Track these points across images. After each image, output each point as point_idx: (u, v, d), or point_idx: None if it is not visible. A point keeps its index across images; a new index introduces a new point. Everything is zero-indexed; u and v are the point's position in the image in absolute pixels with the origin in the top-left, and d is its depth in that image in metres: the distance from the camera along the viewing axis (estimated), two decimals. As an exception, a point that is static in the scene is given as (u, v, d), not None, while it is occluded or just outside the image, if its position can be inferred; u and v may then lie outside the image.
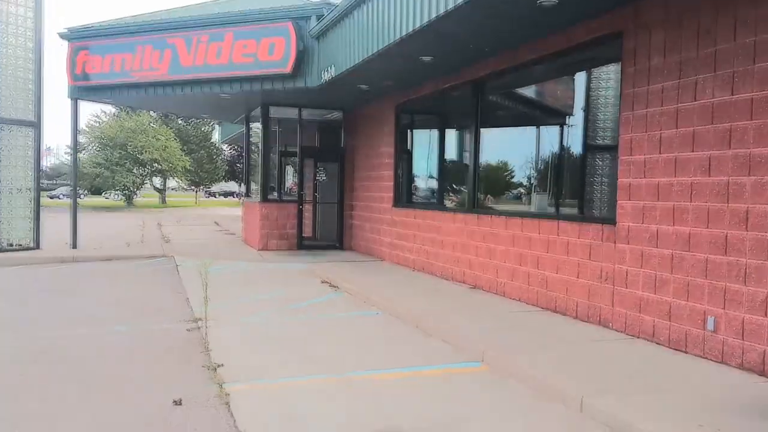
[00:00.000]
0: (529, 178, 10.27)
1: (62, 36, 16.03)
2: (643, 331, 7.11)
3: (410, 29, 8.93)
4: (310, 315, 9.17)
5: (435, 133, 13.42)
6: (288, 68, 13.41)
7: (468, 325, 7.90)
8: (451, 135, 12.63)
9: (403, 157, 14.20)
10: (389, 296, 9.97)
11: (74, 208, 16.63)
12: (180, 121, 57.71)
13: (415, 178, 13.82)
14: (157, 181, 57.94)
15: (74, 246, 16.33)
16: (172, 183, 64.21)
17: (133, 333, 8.06)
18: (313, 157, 17.07)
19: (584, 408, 5.13)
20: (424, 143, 13.53)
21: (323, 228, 17.60)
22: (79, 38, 15.85)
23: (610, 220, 7.69)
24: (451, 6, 7.59)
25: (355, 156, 16.72)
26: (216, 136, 65.81)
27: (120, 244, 17.91)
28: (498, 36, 8.99)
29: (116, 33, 15.44)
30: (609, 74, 8.18)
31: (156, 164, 50.28)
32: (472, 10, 7.72)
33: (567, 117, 9.46)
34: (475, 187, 10.91)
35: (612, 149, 7.90)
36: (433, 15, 8.11)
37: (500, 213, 10.07)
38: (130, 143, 48.01)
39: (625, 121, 7.45)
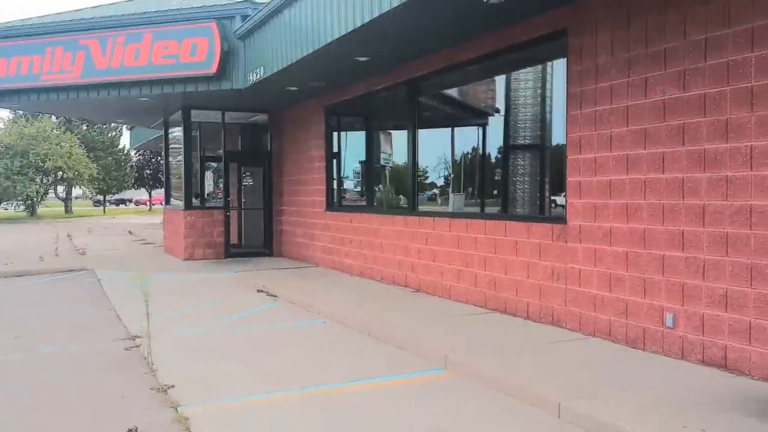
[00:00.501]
0: (447, 179, 10.28)
1: (-37, 36, 14.87)
2: (599, 330, 7.12)
3: (350, 28, 8.70)
4: (253, 326, 8.78)
5: (366, 134, 13.20)
6: (212, 69, 12.89)
7: (422, 329, 7.73)
8: (384, 136, 12.44)
9: (334, 159, 13.93)
10: (332, 303, 9.69)
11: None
12: (84, 127, 55.29)
13: (348, 181, 13.58)
14: (61, 190, 55.32)
15: (-20, 262, 15.21)
16: (76, 192, 61.35)
17: (66, 355, 7.47)
18: (238, 162, 16.55)
19: (562, 412, 5.03)
20: (355, 145, 13.31)
21: (250, 234, 17.07)
22: (-19, 39, 14.73)
23: (561, 219, 7.69)
24: (397, 3, 7.39)
25: (283, 159, 16.32)
26: (125, 142, 63.56)
27: (32, 258, 16.81)
28: (441, 33, 8.86)
29: (22, 34, 14.43)
30: (554, 72, 8.21)
31: (61, 172, 47.96)
32: (421, 6, 7.55)
33: (491, 117, 9.55)
34: (415, 189, 10.77)
35: (539, 148, 7.98)
36: (376, 13, 7.89)
37: (444, 215, 9.96)
38: (31, 150, 45.54)
39: (572, 119, 7.45)
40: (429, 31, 8.68)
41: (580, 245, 7.35)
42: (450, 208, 10.14)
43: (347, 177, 13.56)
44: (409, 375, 6.34)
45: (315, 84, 12.58)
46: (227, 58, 12.94)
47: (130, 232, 29.81)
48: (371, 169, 12.59)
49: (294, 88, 13.03)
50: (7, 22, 15.01)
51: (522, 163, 9.00)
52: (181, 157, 16.50)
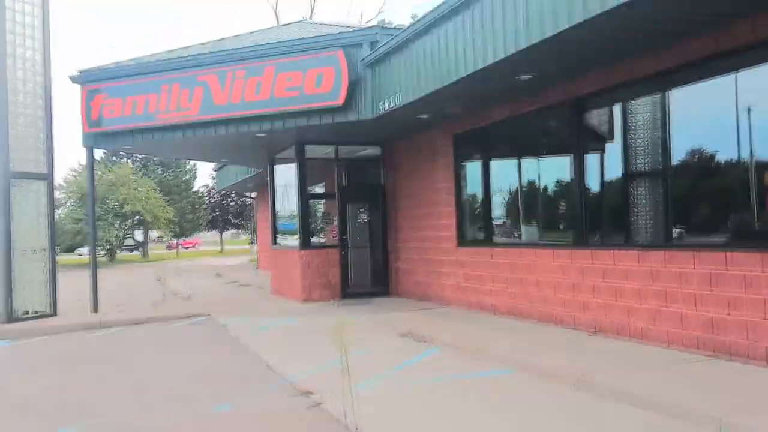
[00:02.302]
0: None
1: (74, 80, 14.65)
2: None
3: (526, 44, 7.84)
4: (429, 377, 7.80)
5: (505, 162, 12.21)
6: (339, 100, 12.21)
7: (670, 386, 6.60)
8: (529, 163, 11.44)
9: (465, 191, 13.00)
10: (506, 349, 8.65)
11: (94, 267, 15.04)
12: (159, 171, 56.06)
13: (483, 214, 12.57)
14: (138, 234, 55.99)
15: (95, 309, 14.70)
16: (152, 236, 62.09)
17: (244, 414, 6.63)
18: (349, 198, 15.78)
19: None
20: (492, 174, 12.32)
21: (363, 274, 16.20)
22: (94, 80, 14.48)
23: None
24: (615, 3, 6.47)
25: (398, 193, 15.48)
26: (198, 184, 64.36)
27: (141, 304, 16.30)
28: (637, 39, 7.89)
29: (137, 73, 14.10)
30: None
31: (139, 216, 48.48)
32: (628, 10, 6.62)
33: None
34: (584, 219, 9.71)
35: None
36: (576, 20, 6.99)
37: (625, 246, 8.86)
38: (110, 196, 46.23)
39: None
40: (631, 35, 7.70)
41: None
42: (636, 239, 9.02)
43: (485, 210, 12.55)
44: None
45: (451, 110, 11.74)
46: (354, 87, 12.25)
47: (218, 274, 29.45)
48: (519, 199, 11.59)
49: (425, 116, 12.23)
50: (118, 62, 14.74)
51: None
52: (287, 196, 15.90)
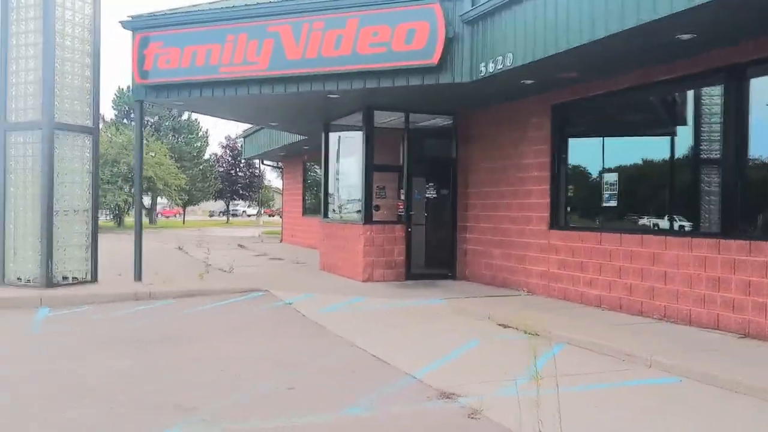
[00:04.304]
0: None
1: (126, 25, 13.25)
2: None
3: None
4: (583, 384, 6.57)
5: (621, 139, 10.93)
6: (434, 59, 10.89)
7: None
8: (656, 140, 10.17)
9: (563, 168, 11.72)
10: (649, 350, 7.42)
11: (139, 232, 13.78)
12: (171, 136, 54.53)
13: (589, 195, 11.31)
14: (146, 199, 54.56)
15: (138, 278, 13.44)
16: (161, 202, 60.73)
17: (385, 421, 5.40)
18: (418, 171, 14.48)
19: None
20: (604, 151, 11.03)
21: (427, 254, 14.97)
22: (149, 27, 13.09)
23: None
24: None
25: (471, 168, 14.17)
26: (210, 152, 62.90)
27: (180, 274, 15.01)
28: None
29: (199, 20, 12.71)
30: None
31: (150, 182, 47.01)
32: None
33: None
34: (736, 205, 8.44)
35: None
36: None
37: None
38: (122, 160, 44.74)
39: None
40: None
41: None
42: None
43: (585, 190, 11.30)
44: None
45: (564, 76, 10.42)
46: (450, 45, 10.92)
47: (241, 245, 28.18)
48: (628, 180, 10.33)
49: (529, 82, 10.91)
50: (178, 8, 13.34)
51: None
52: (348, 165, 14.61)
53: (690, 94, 9.41)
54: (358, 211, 14.33)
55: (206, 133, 58.60)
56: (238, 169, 65.25)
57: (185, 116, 57.81)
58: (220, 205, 79.28)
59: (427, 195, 14.71)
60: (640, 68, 9.67)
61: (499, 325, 9.68)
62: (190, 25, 12.71)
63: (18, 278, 12.33)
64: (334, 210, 16.27)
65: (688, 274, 8.96)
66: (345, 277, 14.55)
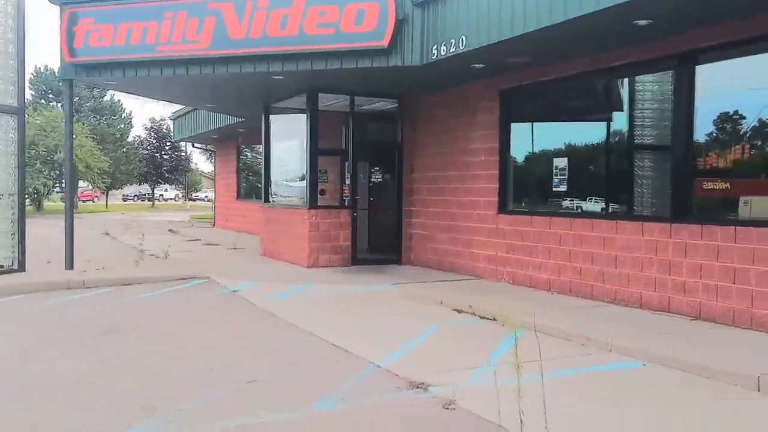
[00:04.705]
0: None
1: (53, 0, 12.45)
2: None
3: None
4: (547, 369, 6.53)
5: (570, 124, 11.01)
6: (384, 41, 10.66)
7: None
8: (605, 124, 10.29)
9: (510, 154, 11.74)
10: (607, 334, 7.50)
11: (70, 217, 13.08)
12: (93, 118, 52.39)
13: (537, 180, 11.38)
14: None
15: (70, 266, 12.76)
16: (81, 186, 58.32)
17: (360, 414, 5.24)
18: (363, 155, 14.28)
19: None
20: (552, 136, 11.10)
21: (372, 239, 14.81)
22: (79, 2, 12.35)
23: None
24: None
25: (417, 152, 14.06)
26: (134, 134, 60.81)
27: (114, 261, 14.36)
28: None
29: (134, -4, 12.08)
30: None
31: (70, 165, 44.94)
32: None
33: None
34: (681, 187, 8.60)
35: None
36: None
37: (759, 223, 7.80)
38: (40, 142, 42.71)
39: None
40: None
41: None
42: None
43: (534, 175, 11.37)
44: None
45: (515, 60, 10.39)
46: (401, 28, 10.71)
47: (171, 230, 27.35)
48: (578, 165, 10.44)
49: (479, 66, 10.83)
50: (111, -18, 12.63)
51: None
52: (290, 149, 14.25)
53: (641, 79, 9.51)
54: (300, 197, 14.01)
55: (130, 114, 56.67)
56: (163, 152, 63.40)
57: (107, 97, 55.71)
58: (133, 189, 76.87)
59: (372, 179, 14.49)
60: (591, 54, 9.71)
61: (454, 310, 9.62)
62: (125, 1, 12.05)
63: (-63, 268, 11.51)
64: (275, 194, 15.89)
65: (640, 258, 9.09)
66: (289, 263, 14.24)
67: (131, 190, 78.05)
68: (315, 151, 13.61)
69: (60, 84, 51.87)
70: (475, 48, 9.58)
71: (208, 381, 6.08)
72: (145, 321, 8.81)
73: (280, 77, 12.08)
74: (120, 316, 9.11)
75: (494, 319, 8.93)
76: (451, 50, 10.00)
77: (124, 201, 78.46)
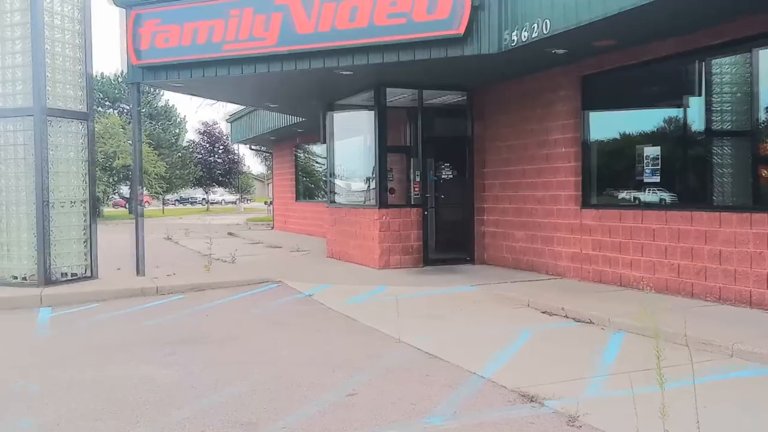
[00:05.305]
0: None
1: (117, 3, 12.31)
2: None
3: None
4: (672, 379, 5.93)
5: (660, 111, 10.30)
6: (459, 29, 10.16)
7: None
8: (701, 111, 9.57)
9: (593, 144, 11.11)
10: (726, 338, 6.85)
11: (139, 224, 12.91)
12: (148, 123, 53.07)
13: (624, 171, 10.73)
14: (125, 189, 53.14)
15: (141, 272, 12.62)
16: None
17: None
18: (432, 152, 13.78)
19: None
20: (639, 124, 10.45)
21: (442, 238, 14.28)
22: (144, 3, 12.18)
23: None
24: None
25: (488, 146, 13.52)
26: (188, 138, 61.52)
27: (187, 266, 14.23)
28: None
29: (198, -6, 11.84)
30: None
31: (128, 171, 45.69)
32: None
33: None
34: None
35: None
36: None
37: None
38: (99, 149, 43.38)
39: None
40: None
41: None
42: None
43: (619, 167, 10.73)
44: None
45: (602, 44, 9.76)
46: (476, 14, 10.18)
47: (230, 233, 27.35)
48: (670, 155, 9.76)
49: (560, 52, 10.24)
50: (175, -17, 12.43)
51: None
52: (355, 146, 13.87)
53: (735, 59, 8.79)
54: (367, 196, 13.61)
55: (184, 119, 57.21)
56: (216, 156, 64.01)
57: (162, 102, 56.42)
58: (184, 193, 76.66)
59: (442, 176, 13.99)
60: (680, 35, 9.03)
61: (543, 312, 9.09)
62: (189, 0, 11.82)
63: (14, 276, 11.45)
64: (340, 194, 15.53)
65: (748, 253, 8.39)
66: (358, 265, 13.85)
67: (173, 195, 78.05)
68: (384, 149, 13.20)
69: (116, 91, 53.03)
70: (560, 32, 8.99)
71: (305, 394, 5.68)
72: (224, 329, 8.51)
73: (349, 72, 11.69)
74: (199, 324, 8.84)
75: (591, 322, 8.38)
76: (533, 35, 9.43)
77: (164, 206, 78.99)
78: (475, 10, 10.13)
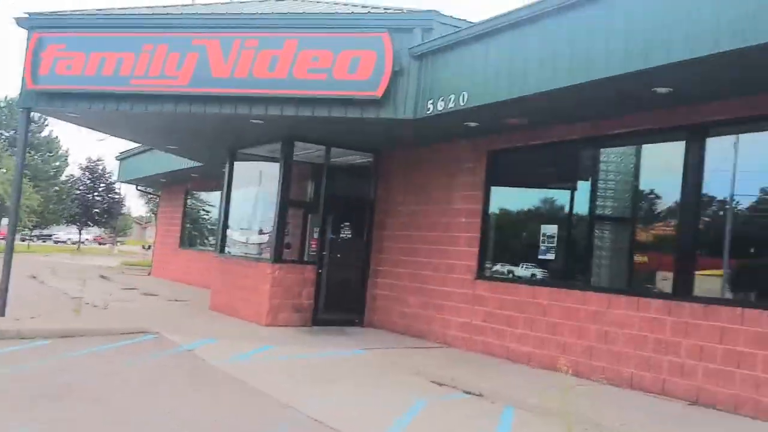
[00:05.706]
0: None
1: (21, 23, 11.64)
2: None
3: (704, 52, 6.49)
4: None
5: (564, 191, 10.69)
6: (378, 91, 10.26)
7: None
8: (604, 192, 10.04)
9: (492, 218, 11.41)
10: (617, 420, 7.04)
11: (8, 257, 11.91)
12: (27, 153, 50.15)
13: (523, 247, 11.04)
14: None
15: (1, 312, 11.50)
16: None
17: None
18: (333, 210, 13.67)
19: None
20: (542, 201, 10.85)
21: (329, 298, 13.90)
22: (50, 27, 11.63)
23: None
24: None
25: (389, 210, 13.59)
26: (69, 173, 58.40)
27: (53, 308, 13.15)
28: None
29: (110, 25, 11.44)
30: None
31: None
32: None
33: None
34: (684, 261, 8.35)
35: None
36: None
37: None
38: (-34, 176, 40.40)
39: None
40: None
41: None
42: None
43: (519, 241, 11.04)
44: None
45: (516, 121, 10.13)
46: (396, 79, 10.35)
47: (103, 277, 25.76)
48: (568, 235, 10.16)
49: (472, 125, 10.54)
50: (87, 10, 11.96)
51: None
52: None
53: (646, 149, 9.38)
54: (260, 249, 13.27)
55: (66, 152, 54.45)
56: (96, 194, 61.03)
57: (45, 132, 53.60)
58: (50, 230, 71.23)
59: (341, 235, 13.87)
60: (589, 121, 9.55)
61: (432, 382, 9.00)
62: (101, 29, 11.42)
63: None
64: (232, 244, 15.06)
65: (632, 336, 8.73)
66: (244, 320, 13.29)
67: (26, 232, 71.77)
68: (285, 202, 12.98)
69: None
70: (478, 105, 9.26)
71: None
72: (94, 384, 7.77)
73: (260, 121, 11.51)
74: (65, 377, 7.97)
75: (481, 395, 8.38)
76: (449, 106, 9.67)
77: (23, 241, 72.70)
78: (396, 75, 10.29)
